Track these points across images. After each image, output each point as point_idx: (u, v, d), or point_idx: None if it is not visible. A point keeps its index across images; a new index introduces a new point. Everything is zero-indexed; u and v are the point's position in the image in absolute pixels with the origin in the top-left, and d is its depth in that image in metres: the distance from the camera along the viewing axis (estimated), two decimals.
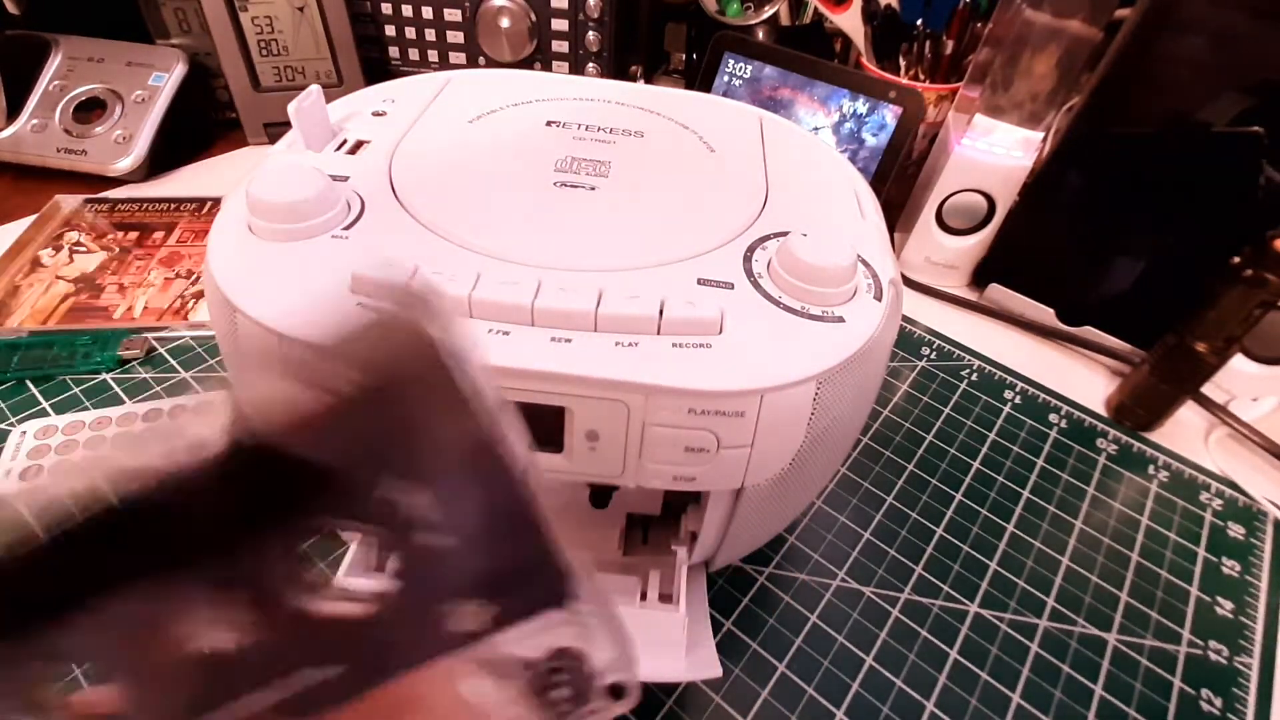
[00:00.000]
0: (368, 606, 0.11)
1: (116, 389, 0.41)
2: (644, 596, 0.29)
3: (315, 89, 0.30)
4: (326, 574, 0.11)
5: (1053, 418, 0.44)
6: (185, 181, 0.59)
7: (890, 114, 0.51)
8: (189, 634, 0.10)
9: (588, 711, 0.12)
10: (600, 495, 0.30)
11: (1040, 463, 0.41)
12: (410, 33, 0.64)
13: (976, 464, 0.41)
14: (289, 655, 0.10)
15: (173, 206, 0.55)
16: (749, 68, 0.55)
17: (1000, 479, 0.40)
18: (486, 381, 0.10)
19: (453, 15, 0.62)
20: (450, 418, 0.10)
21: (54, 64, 0.58)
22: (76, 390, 0.41)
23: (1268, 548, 0.38)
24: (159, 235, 0.52)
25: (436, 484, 0.10)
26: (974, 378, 0.47)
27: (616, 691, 0.12)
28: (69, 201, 0.54)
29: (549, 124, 0.33)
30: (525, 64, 0.63)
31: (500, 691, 0.11)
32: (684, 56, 0.73)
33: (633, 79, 0.67)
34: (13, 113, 0.56)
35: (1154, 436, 0.44)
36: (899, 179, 0.54)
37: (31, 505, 0.10)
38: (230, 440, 0.10)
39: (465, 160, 0.30)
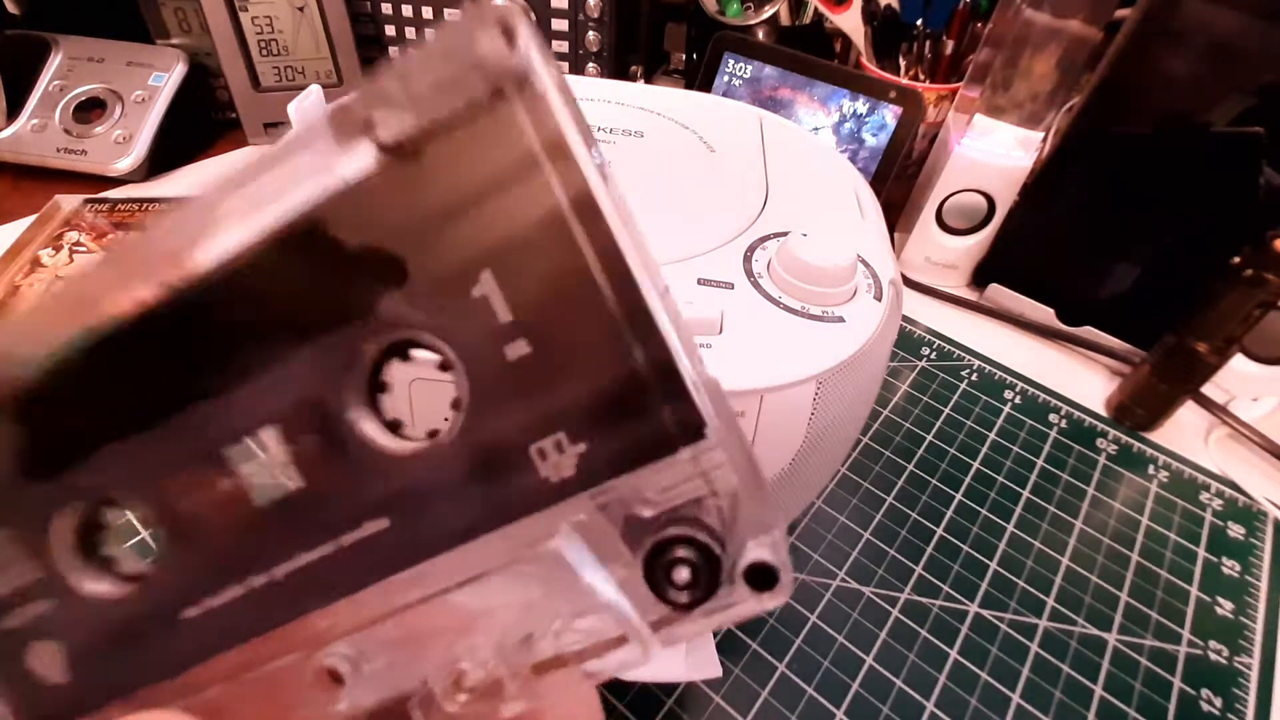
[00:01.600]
0: (430, 446, 0.09)
1: None
2: None
3: (315, 89, 0.30)
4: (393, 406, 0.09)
5: (1053, 418, 0.44)
6: (185, 181, 0.59)
7: (890, 114, 0.51)
8: (238, 478, 0.09)
9: (720, 606, 0.08)
10: None
11: (1040, 463, 0.41)
12: (410, 33, 0.64)
13: (976, 464, 0.41)
14: (352, 504, 0.09)
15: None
16: (749, 68, 0.55)
17: (1000, 479, 0.40)
18: (586, 125, 0.08)
19: (453, 15, 0.62)
20: (534, 175, 0.08)
21: (54, 64, 0.57)
22: None
23: (1268, 548, 0.38)
24: None
25: (507, 264, 0.08)
26: (974, 378, 0.47)
27: (760, 577, 0.08)
28: (69, 201, 0.54)
29: None
30: None
31: (598, 570, 0.08)
32: (684, 56, 0.73)
33: (633, 79, 0.67)
34: (13, 113, 0.56)
35: (1154, 436, 0.44)
36: (899, 179, 0.54)
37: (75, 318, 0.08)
38: (283, 226, 0.08)
39: None
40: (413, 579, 0.09)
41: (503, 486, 0.08)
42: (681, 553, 0.08)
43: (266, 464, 0.09)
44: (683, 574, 0.08)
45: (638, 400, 0.08)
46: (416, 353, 0.09)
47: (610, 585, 0.09)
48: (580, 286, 0.08)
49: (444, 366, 0.08)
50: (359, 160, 0.08)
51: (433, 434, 0.09)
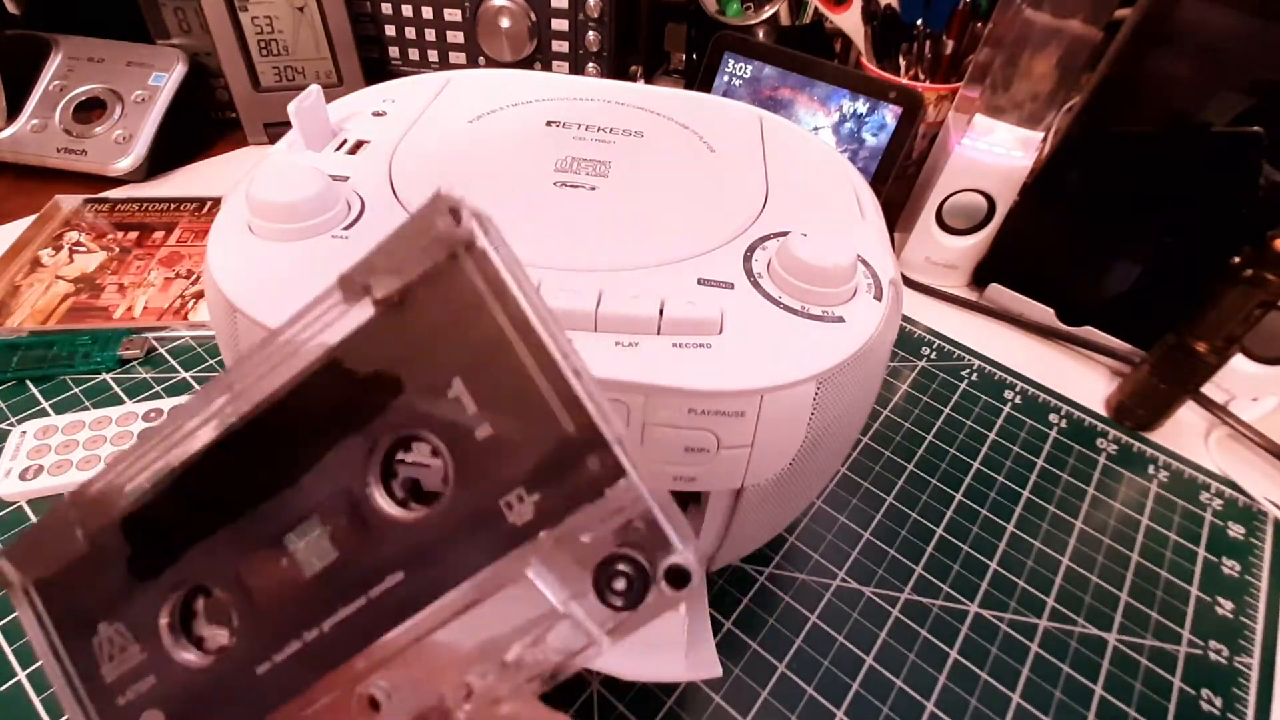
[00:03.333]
0: (429, 513, 0.11)
1: (116, 389, 0.41)
2: None
3: (315, 89, 0.30)
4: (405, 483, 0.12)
5: (1053, 418, 0.44)
6: (185, 181, 0.59)
7: (890, 114, 0.51)
8: (291, 557, 0.12)
9: (649, 607, 0.11)
10: None
11: (1040, 463, 0.41)
12: (410, 33, 0.64)
13: (976, 464, 0.41)
14: (376, 565, 0.12)
15: (173, 206, 0.55)
16: (749, 68, 0.55)
17: (1000, 479, 0.40)
18: (518, 268, 0.11)
19: (453, 15, 0.62)
20: (482, 308, 0.11)
21: (54, 64, 0.57)
22: (76, 390, 0.41)
23: (1268, 548, 0.38)
24: (159, 235, 0.52)
25: (471, 370, 0.11)
26: (974, 378, 0.47)
27: (676, 577, 0.11)
28: (69, 201, 0.54)
29: (549, 124, 0.33)
30: (525, 64, 0.63)
31: (560, 589, 0.11)
32: (684, 56, 0.73)
33: (633, 79, 0.67)
34: (13, 113, 0.56)
35: (1154, 436, 0.44)
36: (899, 179, 0.54)
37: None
38: (311, 365, 0.11)
39: (465, 160, 0.30)
40: (427, 614, 0.12)
41: (484, 533, 0.11)
42: (619, 567, 0.11)
43: (313, 544, 0.12)
44: (620, 583, 0.11)
45: (573, 457, 0.11)
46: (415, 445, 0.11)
47: (570, 600, 0.11)
48: (523, 381, 0.11)
49: (434, 453, 0.11)
50: (361, 313, 0.11)
51: (429, 504, 0.11)
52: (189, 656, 0.12)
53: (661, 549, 0.11)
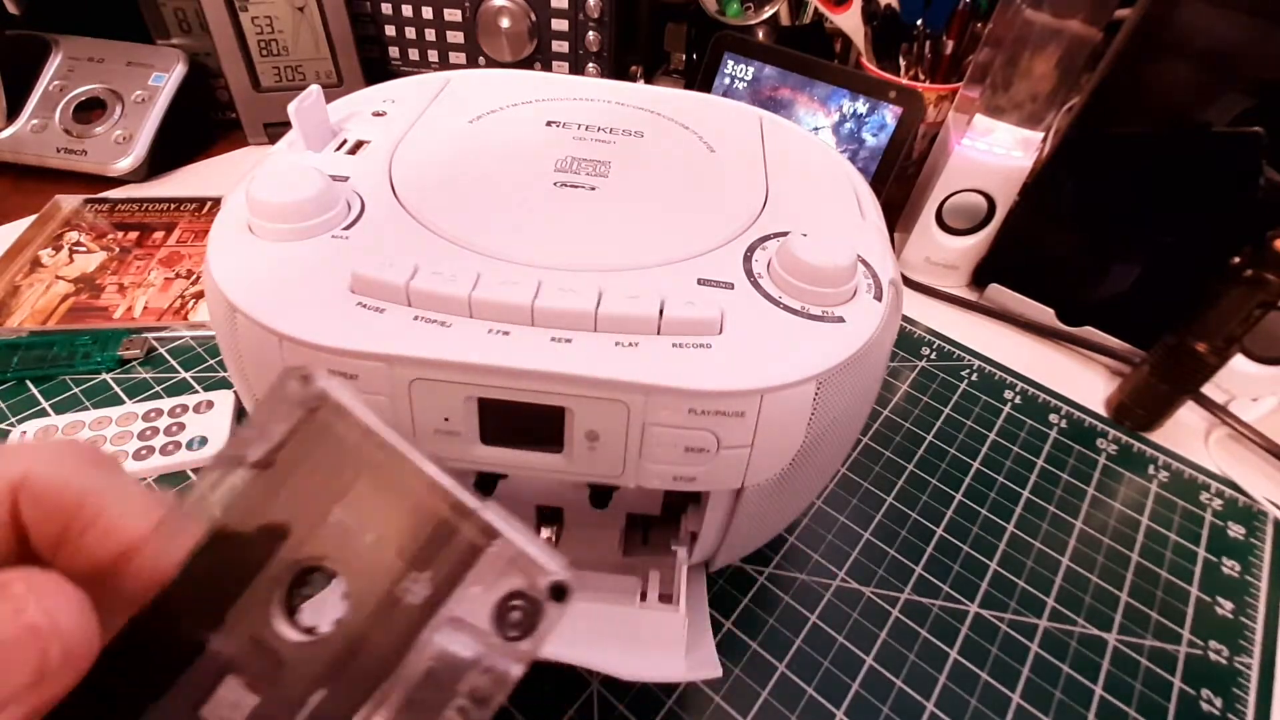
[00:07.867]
0: (340, 623, 0.13)
1: (116, 389, 0.41)
2: (644, 597, 0.29)
3: (315, 89, 0.30)
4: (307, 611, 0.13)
5: (1053, 418, 0.44)
6: (185, 181, 0.59)
7: (890, 114, 0.51)
8: (221, 709, 0.12)
9: (543, 626, 0.13)
10: (600, 495, 0.30)
11: (1040, 463, 0.41)
12: (410, 33, 0.64)
13: (976, 464, 0.41)
14: (297, 693, 0.12)
15: (173, 206, 0.55)
16: (749, 68, 0.55)
17: (1000, 479, 0.40)
18: (364, 405, 0.13)
19: (453, 15, 0.62)
20: (344, 444, 0.13)
21: (54, 64, 0.57)
22: (76, 390, 0.41)
23: (1268, 548, 0.38)
24: (159, 235, 0.52)
25: (352, 494, 0.13)
26: (974, 378, 0.47)
27: (559, 592, 0.12)
28: (69, 201, 0.54)
29: (549, 124, 0.33)
30: (525, 64, 0.63)
31: (472, 642, 0.13)
32: (684, 56, 0.73)
33: (633, 79, 0.67)
34: (13, 113, 0.56)
35: (1154, 436, 0.44)
36: (899, 179, 0.54)
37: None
38: (204, 535, 0.12)
39: (465, 160, 0.30)
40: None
41: (390, 622, 0.12)
42: (512, 603, 0.12)
43: (234, 698, 0.12)
44: (515, 615, 0.12)
45: (450, 532, 0.13)
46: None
47: (478, 645, 0.13)
48: (393, 489, 0.13)
49: (330, 576, 0.13)
50: (239, 478, 0.13)
51: (337, 622, 0.13)
52: None
53: (539, 573, 0.12)
